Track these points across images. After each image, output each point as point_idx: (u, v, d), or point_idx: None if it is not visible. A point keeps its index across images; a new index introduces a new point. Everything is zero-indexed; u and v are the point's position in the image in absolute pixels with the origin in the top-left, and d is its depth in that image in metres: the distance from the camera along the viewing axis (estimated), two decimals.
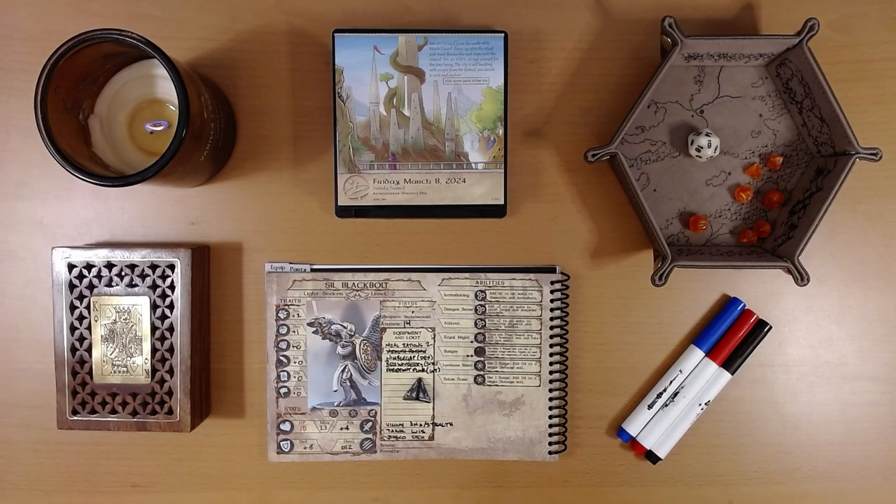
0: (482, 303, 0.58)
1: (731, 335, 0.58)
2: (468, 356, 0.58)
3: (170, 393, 0.55)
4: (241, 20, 0.57)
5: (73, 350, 0.55)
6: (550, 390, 0.58)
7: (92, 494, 0.59)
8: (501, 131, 0.55)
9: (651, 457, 0.58)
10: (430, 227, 0.58)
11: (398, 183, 0.55)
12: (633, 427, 0.58)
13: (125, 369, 0.55)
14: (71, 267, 0.54)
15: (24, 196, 0.58)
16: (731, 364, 0.58)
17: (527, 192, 0.58)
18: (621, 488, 0.60)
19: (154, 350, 0.55)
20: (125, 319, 0.55)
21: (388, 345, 0.58)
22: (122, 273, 0.55)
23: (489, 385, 0.58)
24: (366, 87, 0.54)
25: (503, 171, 0.55)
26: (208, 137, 0.50)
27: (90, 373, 0.55)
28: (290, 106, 0.58)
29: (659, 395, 0.58)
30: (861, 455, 0.60)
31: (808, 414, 0.59)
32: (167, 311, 0.55)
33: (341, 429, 0.58)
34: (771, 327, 0.59)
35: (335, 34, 0.54)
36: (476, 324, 0.58)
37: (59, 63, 0.45)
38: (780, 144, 0.57)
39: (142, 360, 0.55)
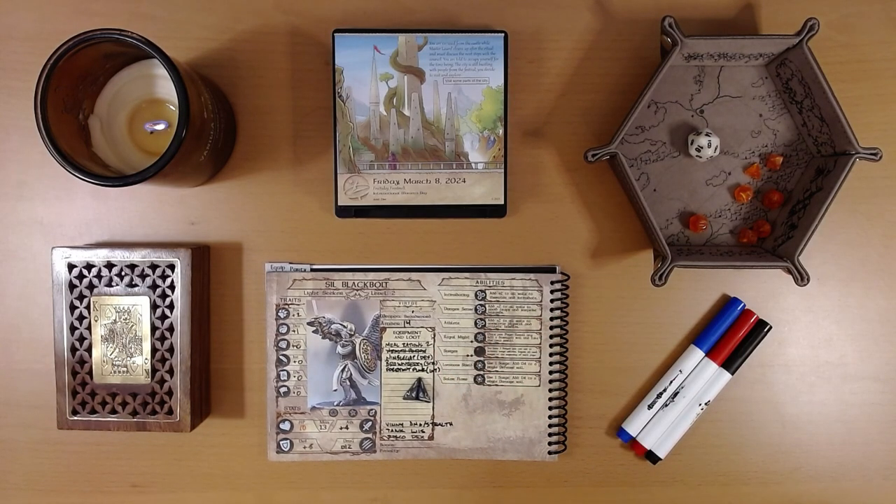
0: (482, 303, 0.58)
1: (731, 335, 0.58)
2: (468, 356, 0.58)
3: (170, 393, 0.55)
4: (241, 20, 0.57)
5: (73, 350, 0.55)
6: (550, 390, 0.58)
7: (92, 494, 0.59)
8: (501, 131, 0.55)
9: (651, 457, 0.58)
10: (430, 227, 0.58)
11: (398, 183, 0.55)
12: (633, 427, 0.58)
13: (125, 369, 0.55)
14: (71, 267, 0.54)
15: (24, 196, 0.58)
16: (731, 364, 0.58)
17: (527, 192, 0.58)
18: (621, 488, 0.60)
19: (154, 350, 0.55)
20: (125, 319, 0.55)
21: (388, 344, 0.58)
22: (122, 273, 0.55)
23: (489, 385, 0.58)
24: (366, 87, 0.55)
25: (503, 171, 0.55)
26: (208, 137, 0.50)
27: (90, 373, 0.55)
28: (290, 106, 0.58)
29: (659, 395, 0.58)
30: (861, 455, 0.60)
31: (808, 414, 0.59)
32: (167, 311, 0.55)
33: (341, 428, 0.58)
34: (771, 327, 0.59)
35: (335, 34, 0.54)
36: (476, 324, 0.58)
37: (59, 63, 0.45)
38: (780, 144, 0.57)
39: (142, 360, 0.55)
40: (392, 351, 0.58)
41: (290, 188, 0.58)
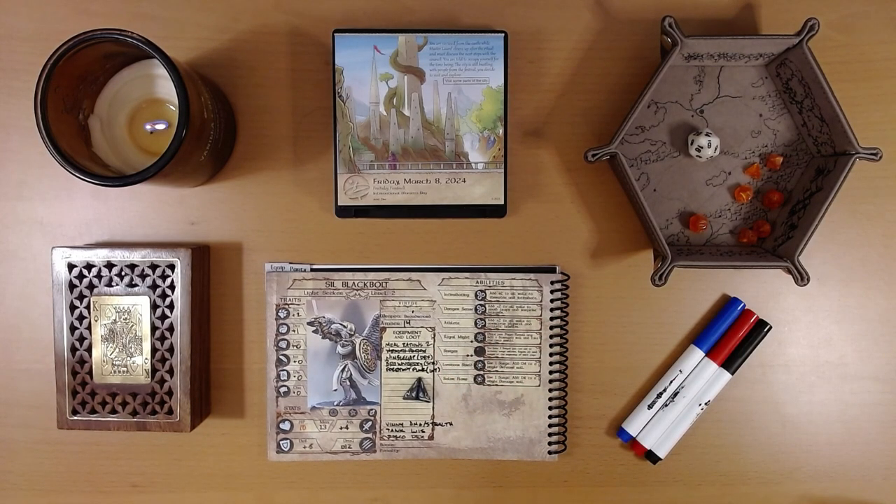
0: (482, 303, 0.58)
1: (731, 335, 0.58)
2: (468, 356, 0.58)
3: (170, 393, 0.55)
4: (241, 20, 0.57)
5: (73, 350, 0.55)
6: (550, 390, 0.58)
7: (92, 494, 0.59)
8: (501, 131, 0.55)
9: (651, 457, 0.58)
10: (430, 227, 0.58)
11: (398, 183, 0.55)
12: (633, 427, 0.58)
13: (125, 369, 0.55)
14: (71, 267, 0.54)
15: (24, 196, 0.58)
16: (731, 364, 0.58)
17: (527, 192, 0.58)
18: (621, 488, 0.60)
19: (154, 350, 0.55)
20: (125, 319, 0.55)
21: (388, 344, 0.58)
22: (122, 273, 0.55)
23: (489, 385, 0.58)
24: (366, 87, 0.55)
25: (503, 171, 0.55)
26: (208, 137, 0.50)
27: (90, 373, 0.55)
28: (290, 106, 0.58)
29: (659, 395, 0.58)
30: (861, 455, 0.60)
31: (808, 414, 0.59)
32: (167, 311, 0.55)
33: (341, 428, 0.58)
34: (771, 327, 0.59)
35: (335, 34, 0.54)
36: (476, 323, 0.58)
37: (59, 63, 0.45)
38: (780, 144, 0.57)
39: (142, 360, 0.55)
40: (392, 351, 0.58)
41: (290, 188, 0.58)
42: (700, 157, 0.56)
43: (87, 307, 0.55)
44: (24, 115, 0.57)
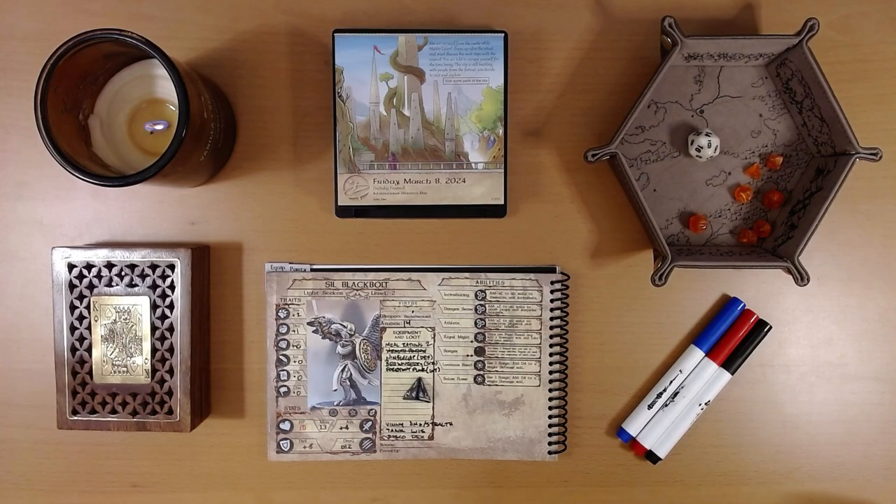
0: (482, 303, 0.58)
1: (731, 335, 0.58)
2: (468, 356, 0.58)
3: (170, 393, 0.55)
4: (241, 20, 0.57)
5: (73, 350, 0.55)
6: (550, 390, 0.58)
7: (92, 494, 0.59)
8: (501, 131, 0.55)
9: (651, 457, 0.58)
10: (430, 227, 0.58)
11: (398, 183, 0.55)
12: (633, 427, 0.58)
13: (125, 369, 0.55)
14: (71, 267, 0.54)
15: (24, 196, 0.58)
16: (731, 364, 0.58)
17: (527, 192, 0.58)
18: (621, 488, 0.60)
19: (154, 350, 0.55)
20: (125, 319, 0.55)
21: (388, 344, 0.58)
22: (122, 273, 0.55)
23: (489, 385, 0.58)
24: (366, 87, 0.55)
25: (503, 171, 0.55)
26: (208, 137, 0.50)
27: (90, 373, 0.55)
28: (290, 106, 0.58)
29: (659, 395, 0.58)
30: (861, 455, 0.60)
31: (808, 414, 0.59)
32: (167, 311, 0.55)
33: (341, 428, 0.58)
34: (771, 327, 0.59)
35: (335, 34, 0.54)
36: (476, 323, 0.58)
37: (59, 63, 0.45)
38: (780, 144, 0.57)
39: (142, 360, 0.55)
40: (392, 351, 0.58)
41: (290, 188, 0.58)
42: (700, 157, 0.56)
43: (87, 307, 0.55)
44: (24, 115, 0.57)
